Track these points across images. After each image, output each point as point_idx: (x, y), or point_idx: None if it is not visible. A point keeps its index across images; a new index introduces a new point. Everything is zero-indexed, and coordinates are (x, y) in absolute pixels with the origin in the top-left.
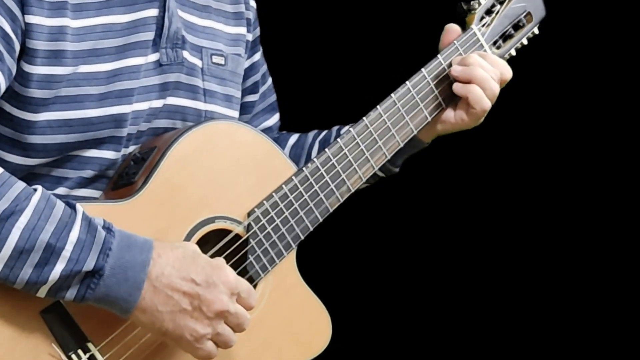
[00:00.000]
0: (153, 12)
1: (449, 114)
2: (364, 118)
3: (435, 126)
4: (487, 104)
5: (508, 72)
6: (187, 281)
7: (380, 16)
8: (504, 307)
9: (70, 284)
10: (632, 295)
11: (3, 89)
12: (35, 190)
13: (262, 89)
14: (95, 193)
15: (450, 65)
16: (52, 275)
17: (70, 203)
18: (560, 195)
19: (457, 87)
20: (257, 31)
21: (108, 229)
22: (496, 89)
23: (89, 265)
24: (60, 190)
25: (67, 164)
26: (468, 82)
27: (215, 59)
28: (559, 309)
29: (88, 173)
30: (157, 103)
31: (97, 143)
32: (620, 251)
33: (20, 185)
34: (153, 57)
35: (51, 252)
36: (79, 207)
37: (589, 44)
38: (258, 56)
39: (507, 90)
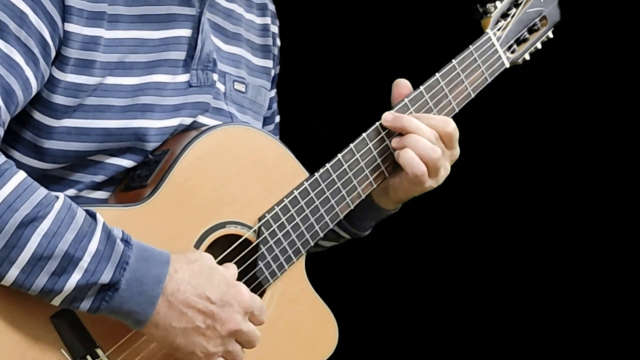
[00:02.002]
0: (186, 32)
1: (394, 180)
2: (377, 123)
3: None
4: (422, 169)
5: (449, 127)
6: (203, 299)
7: (391, 19)
8: (508, 310)
9: (85, 295)
10: (632, 295)
11: (34, 93)
12: (57, 197)
13: (266, 128)
14: (104, 195)
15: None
16: (68, 285)
17: (90, 212)
18: (560, 196)
19: (396, 154)
20: (278, 69)
21: (126, 241)
22: (434, 153)
23: (106, 277)
24: (70, 192)
25: (81, 169)
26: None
27: (237, 86)
28: (559, 309)
29: (100, 178)
30: (187, 120)
31: (117, 152)
32: (620, 251)
33: (43, 191)
34: (183, 77)
35: (69, 262)
36: (100, 217)
37: (590, 45)
38: (273, 93)
39: (509, 91)
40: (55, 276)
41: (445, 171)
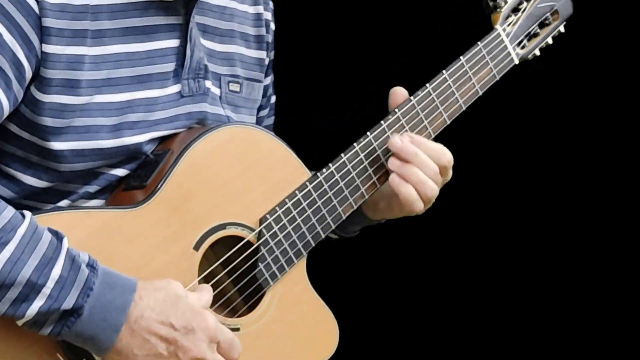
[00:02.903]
0: (173, 42)
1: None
2: (382, 122)
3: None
4: (420, 207)
5: (445, 159)
6: (166, 325)
7: (395, 11)
8: (508, 310)
9: (46, 320)
10: (632, 295)
11: (5, 114)
12: (23, 218)
13: (261, 113)
14: (99, 203)
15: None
16: (30, 312)
17: (59, 235)
18: (560, 196)
19: (393, 181)
20: (272, 54)
21: (92, 266)
22: (432, 192)
23: (69, 303)
24: (63, 203)
25: (75, 181)
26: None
27: (232, 87)
28: (559, 309)
29: (94, 188)
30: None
31: (114, 165)
32: (620, 251)
33: (8, 214)
34: (174, 88)
35: (31, 289)
36: (65, 241)
37: (591, 44)
38: (268, 80)
39: (509, 92)
40: (17, 303)
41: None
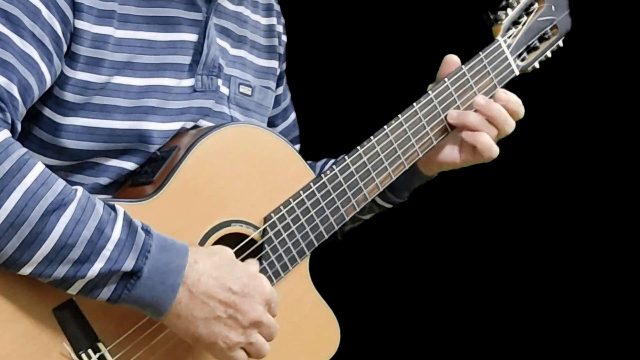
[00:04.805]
0: (192, 36)
1: (453, 153)
2: (385, 126)
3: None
4: (496, 152)
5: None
6: (224, 290)
7: (399, 16)
8: (508, 310)
9: (107, 283)
10: (632, 295)
11: (47, 88)
12: (76, 187)
13: (283, 124)
14: (108, 198)
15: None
16: (90, 273)
17: (109, 203)
18: (560, 196)
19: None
20: (284, 65)
21: (147, 230)
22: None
23: (128, 265)
24: None
25: (84, 171)
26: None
27: (243, 89)
28: (559, 309)
29: (104, 180)
30: (189, 125)
31: (119, 154)
32: (620, 251)
33: (62, 181)
34: (188, 82)
35: (92, 249)
36: (119, 207)
37: (591, 46)
38: (281, 90)
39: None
40: (79, 264)
41: None
